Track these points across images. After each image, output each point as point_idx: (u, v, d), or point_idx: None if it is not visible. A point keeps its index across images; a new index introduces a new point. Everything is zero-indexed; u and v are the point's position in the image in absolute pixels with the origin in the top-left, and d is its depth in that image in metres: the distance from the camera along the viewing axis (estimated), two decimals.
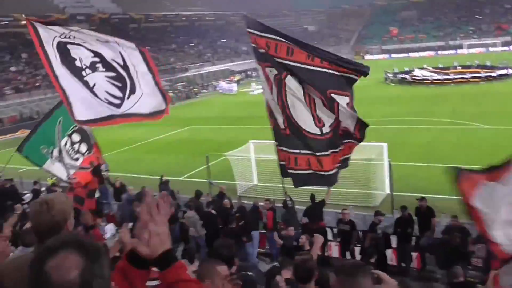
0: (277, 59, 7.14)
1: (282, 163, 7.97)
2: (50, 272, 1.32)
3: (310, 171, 7.58)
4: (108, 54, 8.20)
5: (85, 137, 10.22)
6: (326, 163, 7.40)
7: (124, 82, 8.30)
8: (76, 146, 10.10)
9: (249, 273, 4.90)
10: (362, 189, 15.38)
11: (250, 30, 7.34)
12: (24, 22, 7.66)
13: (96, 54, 8.17)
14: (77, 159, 10.17)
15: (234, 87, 54.95)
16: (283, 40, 7.11)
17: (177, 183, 17.85)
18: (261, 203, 12.74)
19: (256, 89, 50.85)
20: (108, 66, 8.27)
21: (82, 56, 8.18)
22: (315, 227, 11.08)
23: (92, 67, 8.22)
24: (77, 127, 9.94)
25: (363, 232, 11.40)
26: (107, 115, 8.39)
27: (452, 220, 10.30)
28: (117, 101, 8.42)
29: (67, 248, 1.36)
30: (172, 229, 12.47)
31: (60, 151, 9.94)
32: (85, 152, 10.29)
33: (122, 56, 8.23)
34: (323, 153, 7.37)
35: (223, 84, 57.41)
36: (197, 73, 65.93)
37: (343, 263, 2.68)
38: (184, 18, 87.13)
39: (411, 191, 14.52)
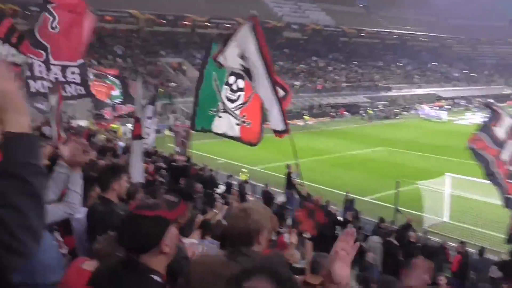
0: None
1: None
2: None
3: None
4: None
5: (240, 76, 9.21)
6: None
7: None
8: (234, 86, 9.11)
9: None
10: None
11: None
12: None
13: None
14: (238, 98, 9.18)
15: (443, 114, 51.48)
16: None
17: (360, 202, 17.36)
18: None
19: (470, 118, 47.32)
20: None
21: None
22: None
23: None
24: (231, 71, 9.01)
25: None
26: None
27: None
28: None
29: (262, 274, 1.45)
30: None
31: (223, 103, 9.11)
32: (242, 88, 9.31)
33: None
34: None
35: (426, 109, 54.45)
36: (400, 94, 63.84)
37: None
38: (396, 36, 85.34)
39: None
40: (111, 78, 17.97)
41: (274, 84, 7.20)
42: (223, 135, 9.08)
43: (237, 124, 8.85)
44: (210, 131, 9.28)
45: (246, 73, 7.49)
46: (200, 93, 9.34)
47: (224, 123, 9.00)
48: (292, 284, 1.47)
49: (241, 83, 8.98)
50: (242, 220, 2.57)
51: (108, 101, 18.17)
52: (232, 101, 8.88)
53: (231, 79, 8.97)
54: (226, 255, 2.57)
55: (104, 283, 2.14)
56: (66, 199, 3.50)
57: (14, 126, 1.37)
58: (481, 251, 11.18)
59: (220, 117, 9.05)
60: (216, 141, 20.40)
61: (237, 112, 8.97)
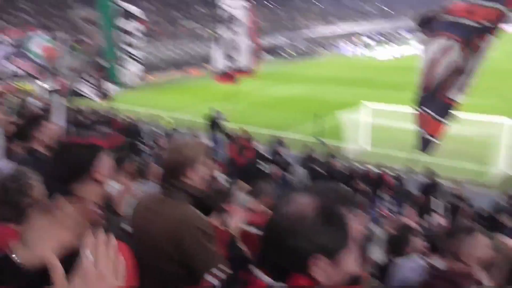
0: None
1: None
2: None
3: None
4: None
5: None
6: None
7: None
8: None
9: None
10: (476, 165, 14.36)
11: None
12: None
13: None
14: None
15: (357, 49, 52.96)
16: None
17: (286, 139, 17.65)
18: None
19: (383, 54, 49.00)
20: None
21: None
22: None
23: None
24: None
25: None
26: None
27: None
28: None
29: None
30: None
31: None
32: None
33: None
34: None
35: (344, 45, 55.66)
36: (318, 31, 64.53)
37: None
38: None
39: None
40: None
41: None
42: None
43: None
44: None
45: None
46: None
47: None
48: (336, 217, 1.33)
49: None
50: (174, 154, 2.61)
51: None
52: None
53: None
54: (162, 192, 2.61)
55: None
56: None
57: None
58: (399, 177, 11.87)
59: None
60: (131, 91, 19.82)
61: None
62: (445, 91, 6.44)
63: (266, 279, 1.29)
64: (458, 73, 6.23)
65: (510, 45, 34.12)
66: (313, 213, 1.26)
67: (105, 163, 1.98)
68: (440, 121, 6.64)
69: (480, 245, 2.62)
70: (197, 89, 33.16)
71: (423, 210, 9.10)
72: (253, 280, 1.30)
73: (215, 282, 2.37)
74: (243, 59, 13.69)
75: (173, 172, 2.57)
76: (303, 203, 1.28)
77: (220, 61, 13.68)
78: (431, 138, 6.79)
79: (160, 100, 28.99)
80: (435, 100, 6.59)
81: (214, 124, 16.89)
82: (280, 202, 1.34)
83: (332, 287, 1.30)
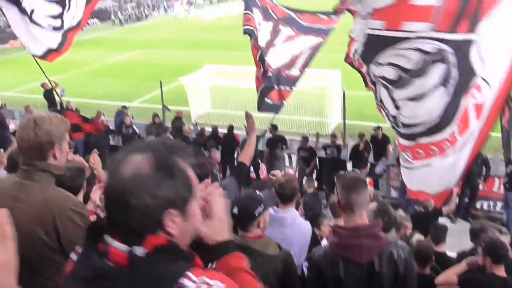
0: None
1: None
2: None
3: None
4: None
5: None
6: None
7: None
8: None
9: None
10: (314, 118, 15.63)
11: None
12: None
13: None
14: None
15: (182, 10, 52.70)
16: None
17: (130, 108, 17.42)
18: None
19: (208, 13, 49.56)
20: None
21: None
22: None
23: None
24: None
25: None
26: (54, 47, 7.74)
27: None
28: (58, 22, 7.71)
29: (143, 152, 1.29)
30: None
31: None
32: None
33: None
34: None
35: (175, 6, 55.18)
36: None
37: (343, 176, 2.82)
38: None
39: (363, 120, 14.90)
40: None
41: None
42: None
43: None
44: None
45: None
46: None
47: None
48: (173, 168, 1.28)
49: None
50: (32, 131, 2.31)
51: None
52: None
53: None
54: (20, 175, 2.37)
55: None
56: None
57: None
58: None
59: None
60: None
61: None
62: (288, 70, 7.27)
63: (123, 246, 1.23)
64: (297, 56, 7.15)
65: None
66: (150, 169, 1.23)
67: None
68: (285, 89, 7.44)
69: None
70: (21, 62, 30.42)
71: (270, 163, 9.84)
72: (111, 251, 1.23)
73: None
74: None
75: (38, 153, 2.32)
76: (138, 161, 1.24)
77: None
78: (277, 103, 7.54)
79: None
80: (280, 77, 7.35)
81: (50, 99, 15.92)
82: (114, 165, 1.27)
83: None
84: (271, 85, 7.21)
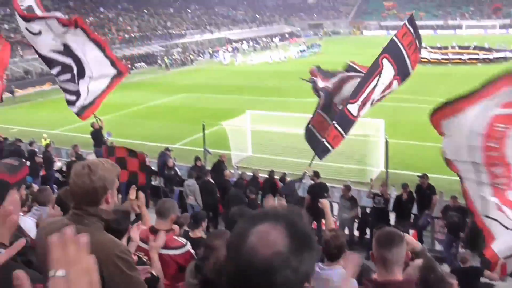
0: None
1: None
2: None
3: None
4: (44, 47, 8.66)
5: None
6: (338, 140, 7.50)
7: (71, 70, 8.46)
8: None
9: None
10: (356, 165, 15.46)
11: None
12: None
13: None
14: None
15: (228, 56, 54.07)
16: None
17: (173, 150, 17.68)
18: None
19: (254, 59, 50.67)
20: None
21: None
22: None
23: None
24: None
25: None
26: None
27: (451, 199, 10.32)
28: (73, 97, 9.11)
29: (276, 221, 1.21)
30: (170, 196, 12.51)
31: None
32: None
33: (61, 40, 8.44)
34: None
35: (220, 52, 56.70)
36: (193, 39, 64.97)
37: (380, 230, 2.82)
38: None
39: (406, 169, 14.61)
40: None
41: None
42: None
43: None
44: None
45: None
46: None
47: None
48: (309, 239, 1.21)
49: None
50: (87, 177, 2.30)
51: None
52: None
53: None
54: (70, 218, 2.38)
55: None
56: None
57: None
58: (283, 177, 12.67)
59: None
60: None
61: None
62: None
63: None
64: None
65: None
66: (290, 244, 1.15)
67: (13, 199, 1.96)
68: (341, 133, 7.49)
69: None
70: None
71: (312, 212, 9.66)
72: None
73: None
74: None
75: (92, 199, 2.33)
76: (273, 235, 1.15)
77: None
78: (330, 147, 7.54)
79: (32, 115, 27.29)
80: (342, 113, 7.41)
81: (97, 139, 16.40)
82: (236, 238, 1.19)
83: None
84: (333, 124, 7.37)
